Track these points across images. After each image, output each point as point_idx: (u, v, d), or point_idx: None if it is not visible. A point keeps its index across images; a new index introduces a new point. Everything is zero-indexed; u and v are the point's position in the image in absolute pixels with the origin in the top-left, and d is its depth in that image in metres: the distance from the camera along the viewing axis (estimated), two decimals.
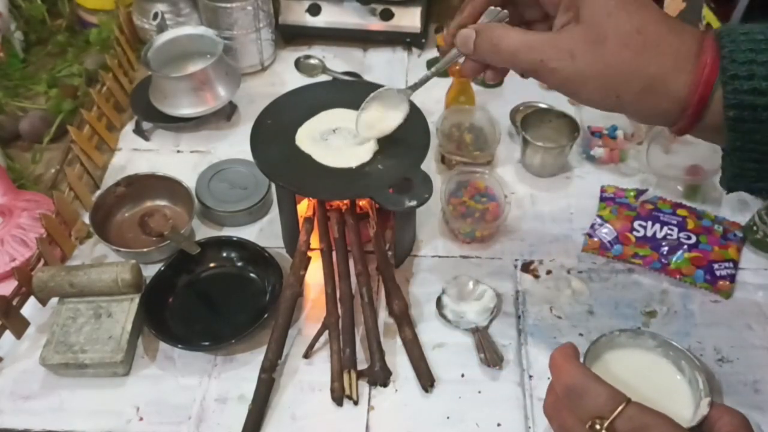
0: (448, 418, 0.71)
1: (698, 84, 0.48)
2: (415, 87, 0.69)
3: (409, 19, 1.13)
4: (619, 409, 0.50)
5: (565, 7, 0.53)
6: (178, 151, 1.01)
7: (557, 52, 0.51)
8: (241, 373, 0.74)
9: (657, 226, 0.85)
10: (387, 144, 0.75)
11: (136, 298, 0.78)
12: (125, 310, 0.77)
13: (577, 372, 0.54)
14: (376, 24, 1.14)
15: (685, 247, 0.83)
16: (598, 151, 0.97)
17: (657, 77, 0.49)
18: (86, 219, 0.87)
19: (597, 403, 0.51)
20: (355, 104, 0.77)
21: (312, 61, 1.16)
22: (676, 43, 0.49)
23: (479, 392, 0.72)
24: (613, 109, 0.52)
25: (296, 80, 1.12)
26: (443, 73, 1.10)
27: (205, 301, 0.82)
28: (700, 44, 0.49)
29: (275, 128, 0.78)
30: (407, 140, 0.76)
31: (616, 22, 0.49)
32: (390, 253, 0.83)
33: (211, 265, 0.84)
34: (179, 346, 0.75)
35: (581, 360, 0.58)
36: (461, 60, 0.59)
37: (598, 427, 0.50)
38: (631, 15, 0.49)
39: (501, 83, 1.10)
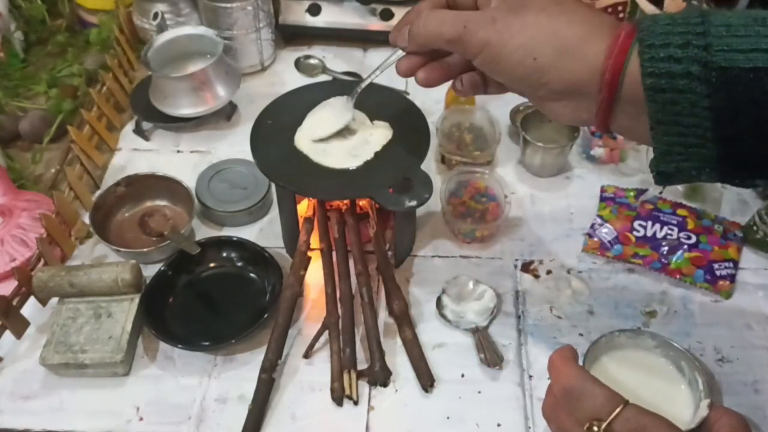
0: (448, 418, 0.71)
1: (613, 48, 0.48)
2: (355, 94, 0.72)
3: None
4: (617, 410, 0.50)
5: None
6: (178, 151, 1.01)
7: (480, 17, 0.52)
8: (241, 373, 0.74)
9: (657, 226, 0.85)
10: (387, 144, 0.75)
11: (136, 298, 0.78)
12: (125, 310, 0.77)
13: (575, 374, 0.54)
14: (376, 24, 1.14)
15: (685, 247, 0.83)
16: (598, 151, 0.97)
17: (572, 39, 0.49)
18: (86, 219, 0.87)
19: (595, 405, 0.51)
20: (355, 105, 0.77)
21: (312, 61, 1.16)
22: (592, 16, 0.50)
23: (479, 392, 0.73)
24: (533, 79, 0.51)
25: (296, 80, 1.12)
26: None
27: (205, 301, 0.82)
28: (617, 22, 0.50)
29: (275, 128, 0.78)
30: (407, 140, 0.76)
31: None
32: (390, 253, 0.83)
33: (211, 265, 0.84)
34: (179, 346, 0.75)
35: (580, 361, 0.58)
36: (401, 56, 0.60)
37: (595, 428, 0.50)
38: None
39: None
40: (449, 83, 0.61)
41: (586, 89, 0.50)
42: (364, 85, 0.70)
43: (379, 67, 0.66)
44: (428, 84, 0.59)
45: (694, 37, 0.45)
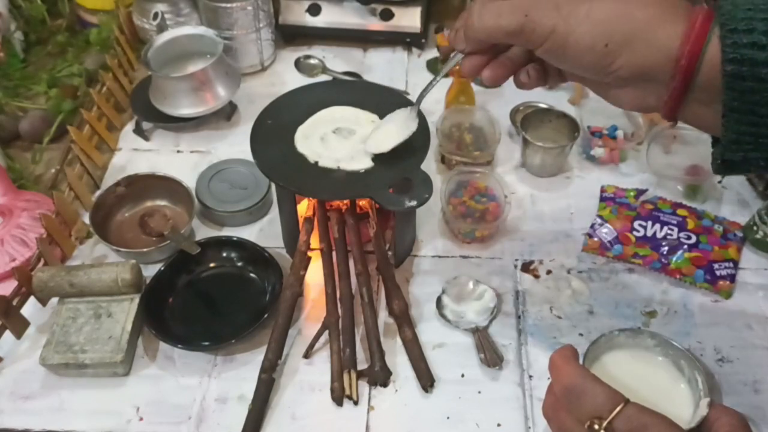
0: (448, 418, 0.71)
1: (690, 33, 0.46)
2: (420, 100, 0.70)
3: (409, 19, 1.13)
4: (618, 409, 0.50)
5: None
6: (178, 151, 1.01)
7: (542, 4, 0.51)
8: (241, 373, 0.74)
9: (657, 226, 0.85)
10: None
11: (136, 298, 0.78)
12: (125, 310, 0.77)
13: (575, 373, 0.54)
14: (376, 24, 1.14)
15: (685, 247, 0.83)
16: (598, 151, 0.97)
17: (644, 23, 0.48)
18: (86, 219, 0.87)
19: (595, 404, 0.51)
20: (355, 104, 0.77)
21: (312, 61, 1.16)
22: None
23: (479, 392, 0.73)
24: (602, 66, 0.50)
25: (296, 80, 1.12)
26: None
27: (205, 301, 0.82)
28: (690, 5, 0.48)
29: (275, 128, 0.78)
30: (407, 140, 0.76)
31: None
32: (390, 253, 0.83)
33: (211, 265, 0.84)
34: (179, 346, 0.75)
35: (580, 361, 0.58)
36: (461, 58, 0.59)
37: (596, 427, 0.50)
38: None
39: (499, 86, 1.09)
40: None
41: (657, 75, 0.49)
42: (426, 93, 0.68)
43: (440, 72, 0.64)
44: (495, 83, 0.58)
45: None
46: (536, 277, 0.83)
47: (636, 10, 0.48)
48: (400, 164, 0.74)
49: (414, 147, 0.75)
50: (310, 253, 0.78)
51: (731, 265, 0.82)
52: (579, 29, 0.49)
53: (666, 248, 0.83)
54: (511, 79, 0.59)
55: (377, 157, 0.74)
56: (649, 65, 0.49)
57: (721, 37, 0.45)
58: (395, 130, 0.72)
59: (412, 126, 0.71)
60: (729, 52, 0.45)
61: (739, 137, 0.47)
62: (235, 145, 1.01)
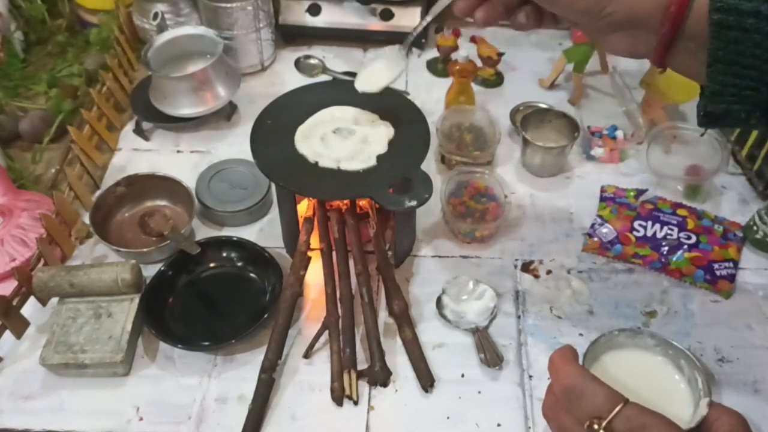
0: (448, 418, 0.71)
1: None
2: (409, 40, 0.69)
3: (409, 19, 1.13)
4: (617, 409, 0.50)
5: None
6: (178, 151, 1.01)
7: None
8: (241, 373, 0.74)
9: (657, 226, 0.85)
10: (387, 144, 0.75)
11: (136, 298, 0.78)
12: (125, 310, 0.77)
13: (575, 373, 0.54)
14: (376, 24, 1.14)
15: (685, 246, 0.83)
16: (598, 151, 0.97)
17: None
18: (86, 219, 0.87)
19: (595, 404, 0.51)
20: (355, 104, 0.77)
21: (312, 61, 1.16)
22: None
23: (479, 392, 0.73)
24: (594, 11, 0.51)
25: (296, 80, 1.12)
26: (443, 74, 1.11)
27: (205, 301, 0.82)
28: None
29: (275, 128, 0.78)
30: (407, 140, 0.76)
31: None
32: (390, 253, 0.83)
33: (211, 265, 0.84)
34: (179, 346, 0.75)
35: (580, 361, 0.58)
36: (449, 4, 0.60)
37: (596, 427, 0.50)
38: None
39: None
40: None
41: (647, 22, 0.49)
42: (415, 33, 0.68)
43: (431, 11, 0.65)
44: (487, 23, 0.58)
45: None
46: (536, 277, 0.83)
47: None
48: (400, 164, 0.74)
49: (414, 147, 0.75)
50: (310, 253, 0.78)
51: (731, 265, 0.82)
52: None
53: (666, 248, 0.83)
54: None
55: (378, 157, 0.74)
56: (639, 11, 0.49)
57: None
58: (385, 68, 0.72)
59: (402, 65, 0.71)
60: (716, 1, 0.45)
61: (722, 88, 0.48)
62: (235, 145, 1.01)
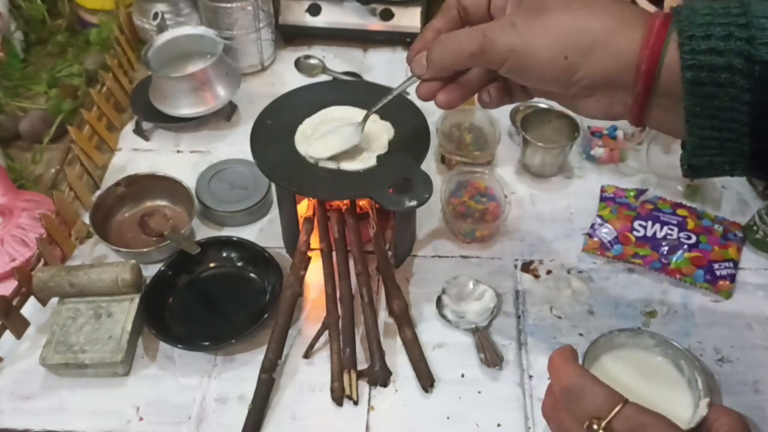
0: (448, 418, 0.71)
1: (648, 37, 0.46)
2: (367, 117, 0.71)
3: (409, 19, 1.13)
4: (617, 409, 0.50)
5: (511, 2, 0.54)
6: (178, 151, 1.01)
7: (499, 26, 0.51)
8: (241, 373, 0.74)
9: (657, 226, 0.85)
10: (388, 144, 0.75)
11: (136, 298, 0.78)
12: (125, 310, 0.77)
13: (575, 373, 0.54)
14: (376, 24, 1.14)
15: (685, 246, 0.83)
16: (598, 151, 0.97)
17: (602, 32, 0.48)
18: (86, 219, 0.87)
19: (594, 404, 0.51)
20: (355, 104, 0.77)
21: (312, 61, 1.16)
22: (618, 7, 0.49)
23: (479, 392, 0.73)
24: (564, 78, 0.50)
25: (296, 80, 1.12)
26: None
27: (205, 301, 0.82)
28: (646, 11, 0.49)
29: (275, 128, 0.78)
30: (407, 140, 0.76)
31: None
32: (390, 253, 0.83)
33: (211, 265, 0.84)
34: (179, 346, 0.75)
35: (580, 361, 0.58)
36: (416, 84, 0.59)
37: (595, 427, 0.50)
38: None
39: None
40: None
41: (620, 82, 0.49)
42: (372, 111, 0.70)
43: (392, 93, 0.66)
44: (450, 106, 0.58)
45: (737, 28, 0.44)
46: (536, 277, 0.83)
47: (592, 21, 0.49)
48: (400, 164, 0.74)
49: (414, 147, 0.75)
50: (310, 253, 0.78)
51: (731, 265, 0.82)
52: (537, 45, 0.50)
53: (666, 248, 0.83)
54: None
55: (378, 157, 0.74)
56: (610, 73, 0.49)
57: (679, 43, 0.45)
58: (336, 141, 0.73)
59: (355, 139, 0.72)
60: (687, 58, 0.45)
61: (703, 142, 0.48)
62: (235, 145, 1.01)
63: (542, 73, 0.51)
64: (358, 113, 0.78)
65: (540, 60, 0.50)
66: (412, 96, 0.70)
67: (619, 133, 0.97)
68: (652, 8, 1.03)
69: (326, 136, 0.74)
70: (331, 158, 0.73)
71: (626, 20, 0.48)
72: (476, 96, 0.59)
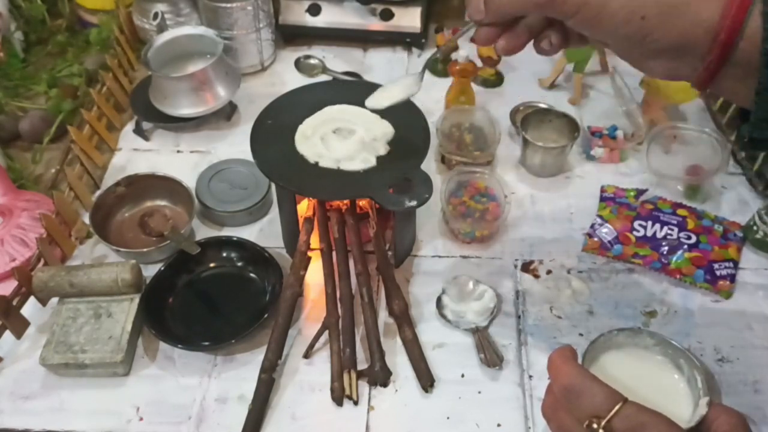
0: (448, 418, 0.71)
1: (731, 7, 0.45)
2: (426, 66, 0.68)
3: (409, 19, 1.13)
4: (616, 408, 0.50)
5: None
6: (178, 151, 1.01)
7: None
8: (241, 373, 0.74)
9: (657, 226, 0.85)
10: (388, 144, 0.75)
11: (136, 298, 0.78)
12: (125, 310, 0.77)
13: (574, 372, 0.54)
14: (376, 24, 1.14)
15: (685, 246, 0.83)
16: (598, 151, 0.97)
17: None
18: (86, 219, 0.87)
19: (594, 403, 0.51)
20: (355, 104, 0.77)
21: (312, 61, 1.16)
22: None
23: (479, 392, 0.73)
24: (638, 39, 0.48)
25: (296, 80, 1.12)
26: (443, 74, 1.11)
27: (205, 301, 0.82)
28: None
29: (275, 128, 0.78)
30: (407, 140, 0.76)
31: None
32: (390, 253, 0.83)
33: (211, 265, 0.84)
34: (179, 346, 0.75)
35: (579, 361, 0.58)
36: (473, 32, 0.57)
37: (595, 426, 0.50)
38: None
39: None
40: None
41: (694, 48, 0.48)
42: (432, 60, 0.67)
43: (454, 39, 0.63)
44: (510, 52, 0.56)
45: None
46: (536, 277, 0.83)
47: None
48: (400, 164, 0.74)
49: (414, 147, 0.75)
50: (310, 253, 0.78)
51: (731, 265, 0.82)
52: (614, 2, 0.48)
53: (666, 248, 0.83)
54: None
55: (378, 157, 0.74)
56: (686, 39, 0.48)
57: (763, 13, 0.44)
58: (397, 90, 0.70)
59: (414, 89, 0.69)
60: None
61: None
62: (235, 145, 1.01)
63: (615, 29, 0.49)
64: (359, 113, 0.79)
65: (615, 17, 0.48)
66: (412, 96, 0.70)
67: (619, 133, 0.97)
68: None
69: (386, 87, 0.71)
70: (388, 107, 0.70)
71: None
72: (532, 42, 0.57)
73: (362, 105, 0.77)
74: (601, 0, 0.48)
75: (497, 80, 1.10)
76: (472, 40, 0.56)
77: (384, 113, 0.74)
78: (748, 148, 0.50)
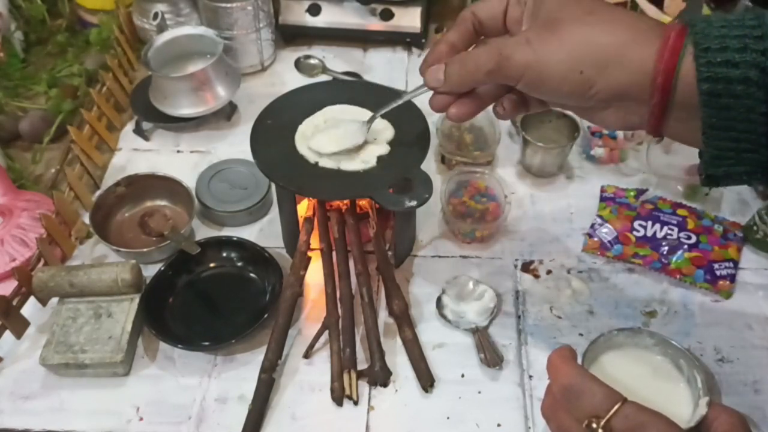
0: (448, 418, 0.71)
1: (663, 50, 0.47)
2: (374, 118, 0.71)
3: (409, 19, 1.13)
4: (616, 408, 0.50)
5: (527, 16, 0.54)
6: (178, 151, 1.01)
7: (514, 42, 0.52)
8: (241, 373, 0.74)
9: (657, 226, 0.85)
10: (388, 144, 0.75)
11: (136, 298, 0.78)
12: (125, 310, 0.77)
13: (573, 372, 0.54)
14: (376, 24, 1.14)
15: (685, 246, 0.83)
16: (598, 151, 0.97)
17: (616, 47, 0.48)
18: (86, 219, 0.87)
19: (593, 403, 0.51)
20: (355, 104, 0.77)
21: (312, 61, 1.16)
22: (633, 20, 0.49)
23: (479, 392, 0.73)
24: (580, 93, 0.50)
25: (296, 80, 1.12)
26: None
27: (205, 301, 0.82)
28: (662, 25, 0.49)
29: (275, 128, 0.78)
30: (407, 140, 0.76)
31: (569, 9, 0.51)
32: (390, 253, 0.83)
33: (211, 265, 0.84)
34: (179, 346, 0.75)
35: (579, 361, 0.58)
36: (429, 93, 0.59)
37: (594, 426, 0.50)
38: (583, 3, 0.51)
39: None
40: None
41: (636, 95, 0.49)
42: (379, 114, 0.70)
43: (402, 99, 0.66)
44: (462, 119, 0.58)
45: (752, 41, 0.44)
46: (536, 277, 0.83)
47: (606, 35, 0.49)
48: (400, 164, 0.74)
49: (414, 147, 0.75)
50: (310, 253, 0.78)
51: (731, 265, 0.82)
52: (552, 60, 0.50)
53: (666, 248, 0.83)
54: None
55: (378, 157, 0.74)
56: (626, 86, 0.49)
57: (695, 56, 0.46)
58: (340, 138, 0.73)
59: (359, 138, 0.72)
60: (704, 71, 0.45)
61: (720, 153, 0.48)
62: (235, 145, 1.01)
63: (558, 87, 0.51)
64: (359, 112, 0.78)
65: (555, 75, 0.50)
66: (414, 98, 0.71)
67: (619, 133, 0.97)
68: (653, 9, 1.03)
69: (330, 131, 0.74)
70: (334, 155, 0.73)
71: (641, 33, 0.48)
72: (491, 107, 0.59)
73: (362, 105, 0.77)
74: (541, 62, 0.50)
75: None
76: (431, 106, 0.59)
77: (384, 114, 0.74)
78: (707, 185, 0.51)
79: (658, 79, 0.47)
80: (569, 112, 0.95)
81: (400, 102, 0.66)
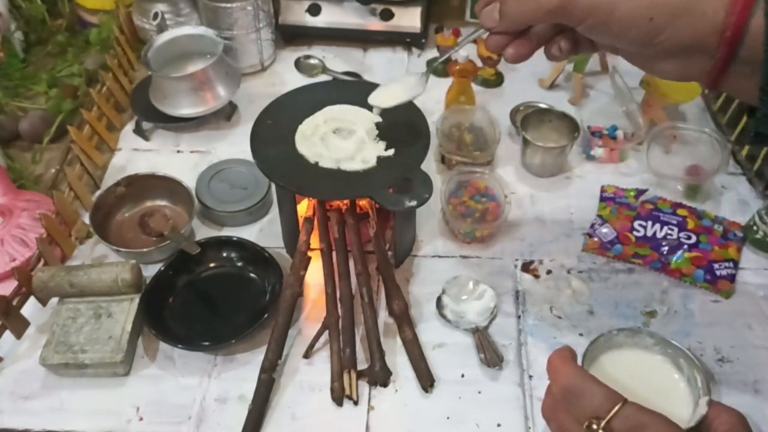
0: (448, 418, 0.71)
1: (735, 5, 0.46)
2: (431, 68, 0.69)
3: (409, 19, 1.13)
4: (616, 408, 0.50)
5: None
6: (178, 151, 1.01)
7: None
8: (241, 373, 0.74)
9: (657, 226, 0.85)
10: (387, 143, 0.75)
11: (136, 298, 0.78)
12: (125, 310, 0.77)
13: (573, 373, 0.54)
14: (376, 24, 1.14)
15: (685, 246, 0.83)
16: (598, 151, 0.97)
17: None
18: (86, 219, 0.87)
19: (593, 403, 0.51)
20: (355, 104, 0.77)
21: (312, 61, 1.16)
22: None
23: (479, 392, 0.73)
24: (646, 40, 0.49)
25: (296, 80, 1.12)
26: (443, 74, 1.11)
27: (205, 301, 0.82)
28: None
29: (275, 128, 0.78)
30: (407, 140, 0.76)
31: None
32: (390, 253, 0.83)
33: (211, 265, 0.84)
34: (179, 346, 0.75)
35: (579, 361, 0.58)
36: (485, 36, 0.58)
37: (594, 426, 0.50)
38: None
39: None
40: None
41: (702, 47, 0.48)
42: (441, 60, 0.68)
43: (460, 44, 0.64)
44: (518, 60, 0.56)
45: None
46: (536, 277, 0.83)
47: None
48: (400, 164, 0.74)
49: (414, 147, 0.75)
50: (310, 253, 0.78)
51: (731, 265, 0.82)
52: (623, 5, 0.49)
53: (666, 248, 0.83)
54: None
55: (378, 157, 0.74)
56: (694, 38, 0.48)
57: (765, 12, 0.45)
58: (401, 90, 0.70)
59: (419, 90, 0.69)
60: None
61: None
62: (235, 145, 1.01)
63: (623, 33, 0.50)
64: (359, 113, 0.78)
65: (623, 20, 0.49)
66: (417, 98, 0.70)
67: (619, 133, 0.97)
68: None
69: (389, 85, 0.71)
70: (390, 108, 0.70)
71: None
72: (543, 49, 0.57)
73: (362, 105, 0.77)
74: (610, 5, 0.49)
75: (497, 80, 1.10)
76: (486, 47, 0.57)
77: (384, 113, 0.74)
78: (755, 143, 0.51)
79: (727, 33, 0.47)
80: (569, 113, 0.96)
81: (457, 49, 0.64)
